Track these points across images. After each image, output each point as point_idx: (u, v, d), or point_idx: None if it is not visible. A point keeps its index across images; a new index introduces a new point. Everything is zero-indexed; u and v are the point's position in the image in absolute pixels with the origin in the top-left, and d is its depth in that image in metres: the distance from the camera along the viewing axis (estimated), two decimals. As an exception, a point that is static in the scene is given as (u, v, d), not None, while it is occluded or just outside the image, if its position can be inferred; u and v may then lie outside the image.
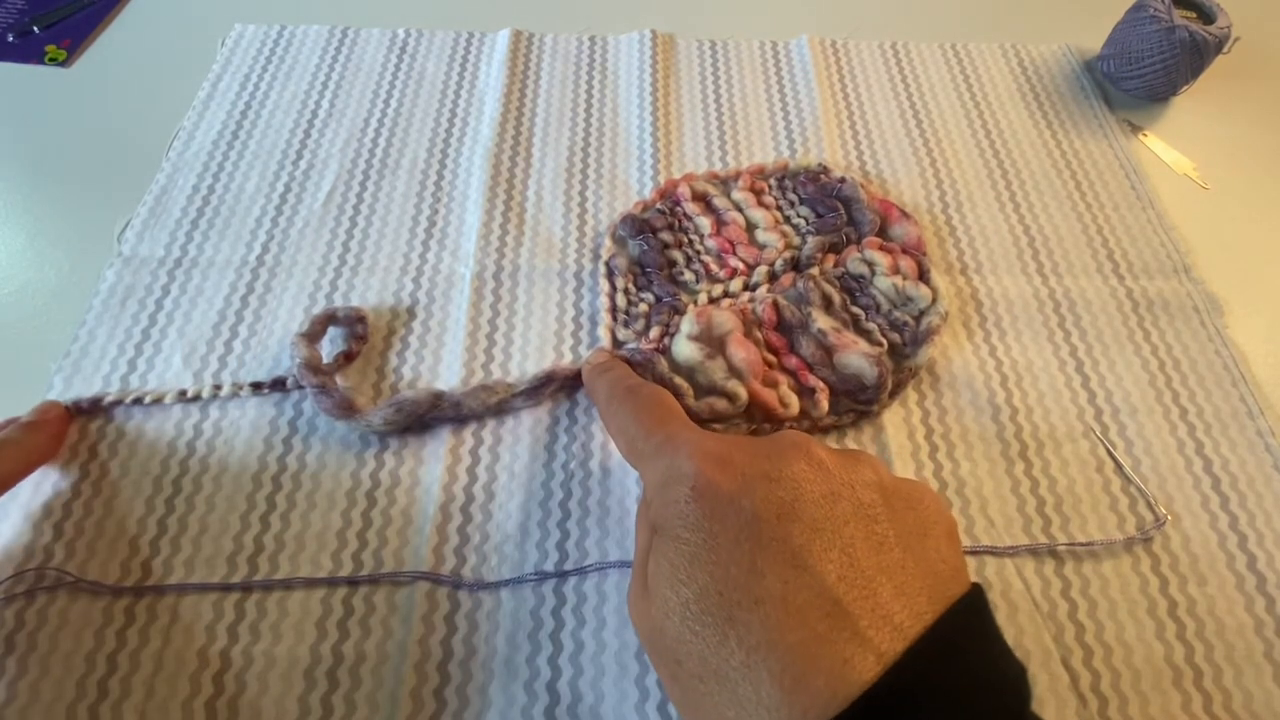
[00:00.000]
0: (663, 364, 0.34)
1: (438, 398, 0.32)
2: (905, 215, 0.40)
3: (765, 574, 0.19)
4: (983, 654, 0.19)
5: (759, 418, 0.33)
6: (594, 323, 0.37)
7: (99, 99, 0.46)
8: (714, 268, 0.38)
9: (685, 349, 0.34)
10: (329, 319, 0.35)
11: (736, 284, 0.37)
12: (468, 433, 0.33)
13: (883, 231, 0.39)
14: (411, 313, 0.37)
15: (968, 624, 0.19)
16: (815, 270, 0.37)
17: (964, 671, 0.18)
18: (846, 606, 0.18)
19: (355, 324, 0.35)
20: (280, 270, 0.38)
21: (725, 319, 0.34)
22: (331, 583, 0.29)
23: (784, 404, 0.33)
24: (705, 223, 0.39)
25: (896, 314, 0.36)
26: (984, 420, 0.34)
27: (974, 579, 0.29)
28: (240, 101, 0.46)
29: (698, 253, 0.39)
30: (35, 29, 0.49)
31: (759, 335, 0.35)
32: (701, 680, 0.19)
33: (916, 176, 0.44)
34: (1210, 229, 0.42)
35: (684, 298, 0.37)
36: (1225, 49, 0.46)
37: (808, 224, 0.40)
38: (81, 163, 0.43)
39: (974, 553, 0.30)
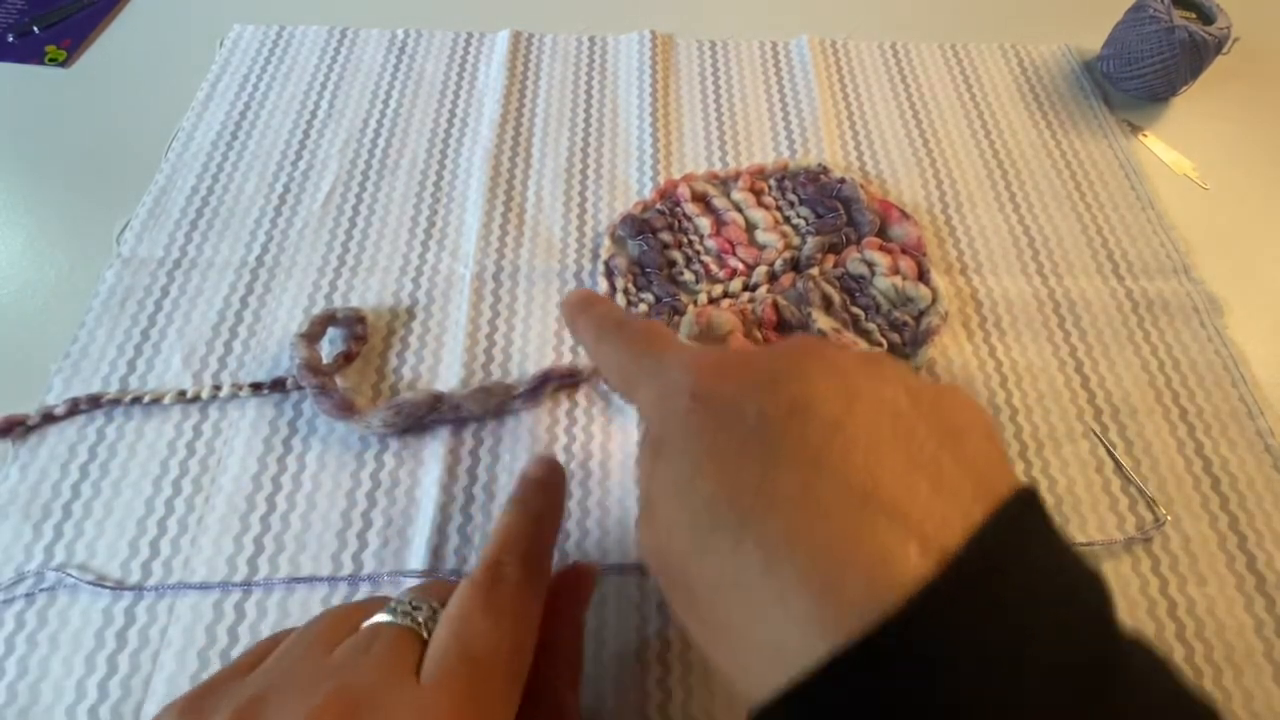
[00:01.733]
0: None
1: (437, 400, 0.32)
2: (905, 215, 0.40)
3: (780, 476, 0.16)
4: (1049, 551, 0.16)
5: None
6: (594, 323, 0.37)
7: (99, 99, 0.46)
8: (714, 268, 0.38)
9: (685, 349, 0.34)
10: (328, 319, 0.35)
11: (736, 284, 0.37)
12: (467, 433, 0.33)
13: (882, 232, 0.39)
14: (411, 313, 0.37)
15: (1028, 520, 0.16)
16: (815, 270, 0.37)
17: (1031, 569, 0.15)
18: (880, 501, 0.15)
19: (355, 324, 0.35)
20: (280, 271, 0.38)
21: (725, 319, 0.34)
22: (332, 582, 0.29)
23: (784, 404, 0.33)
24: (705, 223, 0.39)
25: (896, 314, 0.36)
26: (984, 420, 0.34)
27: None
28: (239, 102, 0.46)
29: (697, 253, 0.39)
30: (35, 29, 0.49)
31: (759, 335, 0.35)
32: (716, 603, 0.17)
33: (916, 177, 0.44)
34: (1210, 229, 0.42)
35: (684, 298, 0.37)
36: (1225, 49, 0.46)
37: (807, 224, 0.40)
38: (81, 163, 0.43)
39: (974, 553, 0.30)
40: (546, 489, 0.25)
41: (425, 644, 0.20)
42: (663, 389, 0.20)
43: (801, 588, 0.15)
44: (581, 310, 0.25)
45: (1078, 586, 0.15)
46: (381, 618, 0.21)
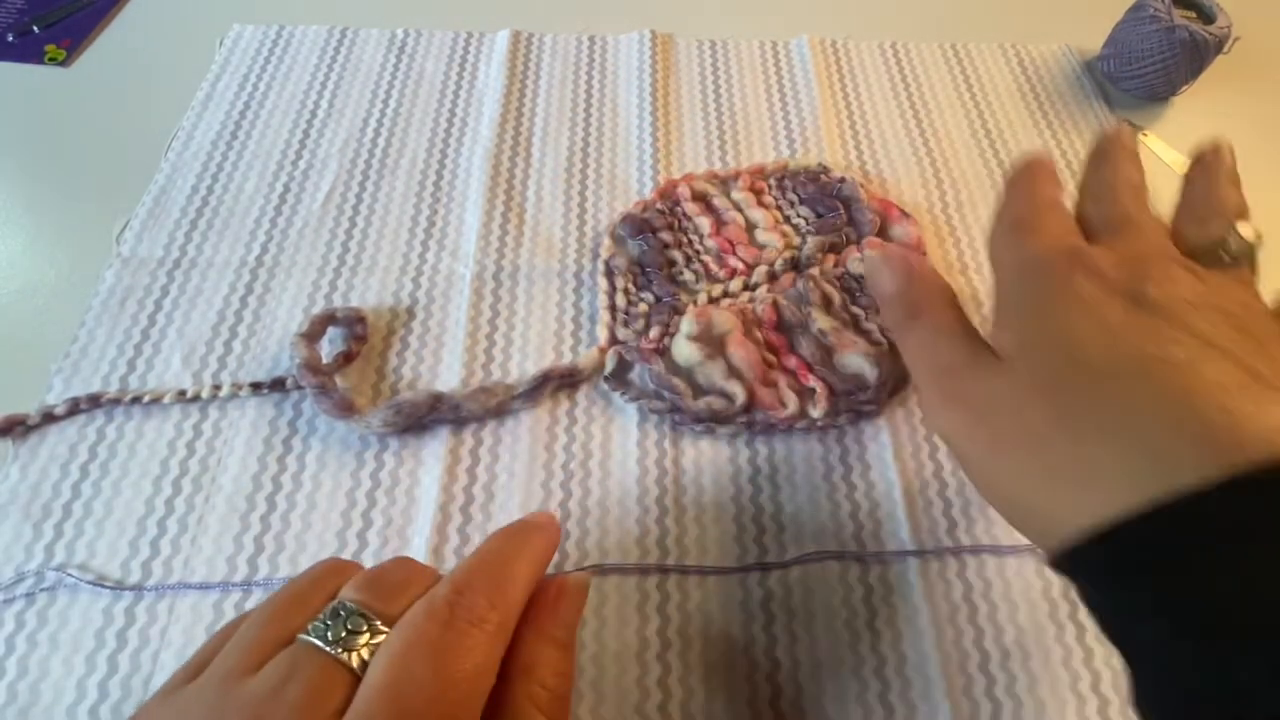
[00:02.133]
0: (660, 364, 0.34)
1: (437, 399, 0.32)
2: (905, 215, 0.40)
3: (1171, 343, 0.18)
4: None
5: (758, 417, 0.33)
6: (594, 323, 0.37)
7: (98, 99, 0.46)
8: (714, 268, 0.38)
9: (685, 349, 0.34)
10: (328, 319, 0.35)
11: (736, 284, 0.37)
12: (467, 433, 0.33)
13: (883, 231, 0.39)
14: (411, 313, 0.37)
15: None
16: (815, 270, 0.37)
17: None
18: (1266, 378, 0.17)
19: (355, 324, 0.35)
20: (279, 270, 0.38)
21: (725, 319, 0.34)
22: (331, 583, 0.29)
23: (783, 404, 0.33)
24: (705, 223, 0.39)
25: (896, 314, 0.36)
26: (984, 420, 0.34)
27: (975, 579, 0.30)
28: (239, 102, 0.46)
29: (697, 253, 0.39)
30: (35, 29, 0.49)
31: (759, 335, 0.35)
32: (1093, 406, 0.18)
33: (916, 176, 0.44)
34: (1210, 229, 0.42)
35: (684, 297, 0.37)
36: (1225, 49, 0.46)
37: (808, 224, 0.40)
38: (81, 163, 0.43)
39: (975, 552, 0.30)
40: (540, 529, 0.22)
41: (356, 681, 0.17)
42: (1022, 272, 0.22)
43: (1193, 415, 0.16)
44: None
45: None
46: (309, 640, 0.18)
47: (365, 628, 0.18)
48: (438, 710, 0.17)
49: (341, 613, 0.18)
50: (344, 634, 0.18)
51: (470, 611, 0.18)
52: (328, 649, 0.17)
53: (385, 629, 0.18)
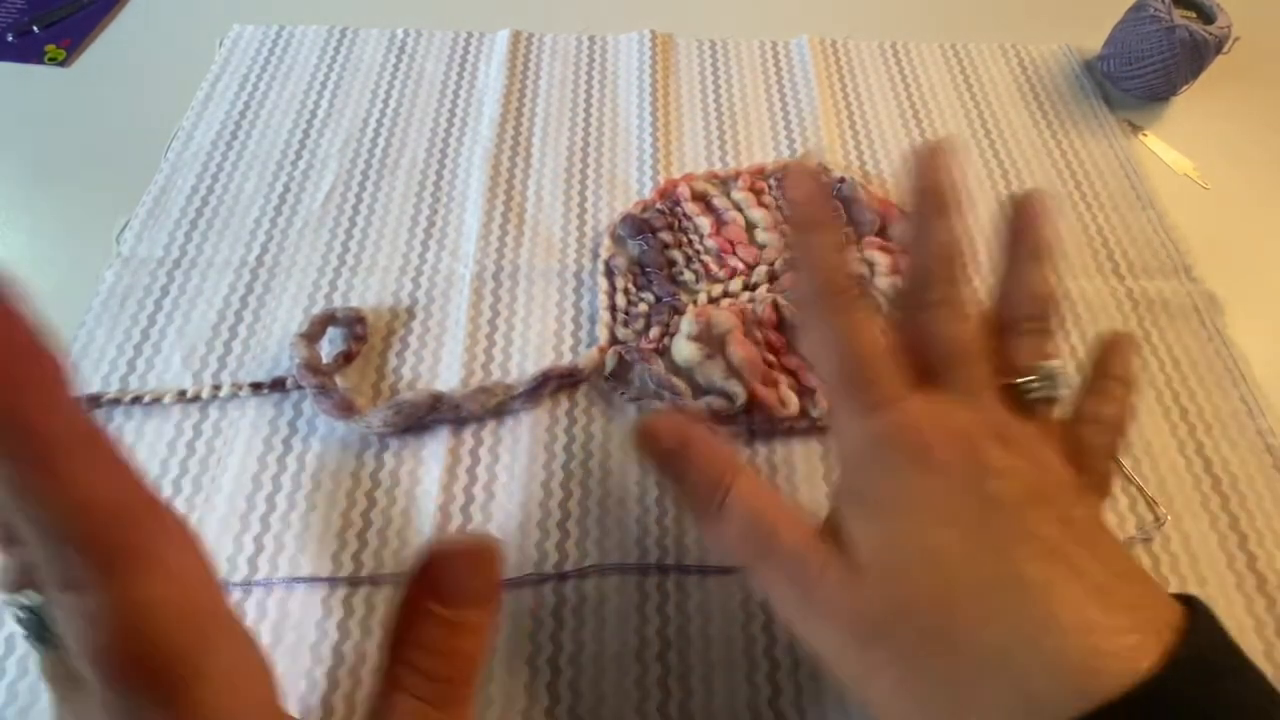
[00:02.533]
0: (660, 364, 0.34)
1: (437, 400, 0.32)
2: (905, 215, 0.40)
3: (1024, 560, 0.18)
4: (1247, 669, 0.18)
5: (758, 417, 0.33)
6: (594, 322, 0.36)
7: (98, 99, 0.46)
8: (714, 267, 0.38)
9: (685, 349, 0.34)
10: (328, 319, 0.35)
11: (736, 284, 0.37)
12: (467, 433, 0.33)
13: (883, 231, 0.39)
14: (411, 313, 0.37)
15: (1221, 635, 0.18)
16: (815, 270, 0.37)
17: (1235, 675, 0.17)
18: (1116, 599, 0.17)
19: (354, 324, 0.35)
20: (279, 270, 0.38)
21: (725, 319, 0.34)
22: (332, 583, 0.29)
23: (784, 403, 0.33)
24: (705, 223, 0.39)
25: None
26: (984, 420, 0.34)
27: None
28: (239, 102, 0.46)
29: (697, 252, 0.39)
30: (35, 29, 0.49)
31: (759, 335, 0.35)
32: (972, 640, 0.18)
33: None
34: (1210, 229, 0.42)
35: (684, 297, 0.37)
36: (1225, 49, 0.46)
37: (807, 224, 0.40)
38: (81, 163, 0.43)
39: (974, 553, 0.30)
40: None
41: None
42: (873, 439, 0.21)
43: (1056, 650, 0.17)
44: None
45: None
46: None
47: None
48: None
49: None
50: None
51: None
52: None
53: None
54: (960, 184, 0.24)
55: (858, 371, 0.21)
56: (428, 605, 0.18)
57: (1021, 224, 0.25)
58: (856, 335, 0.21)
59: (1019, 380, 0.22)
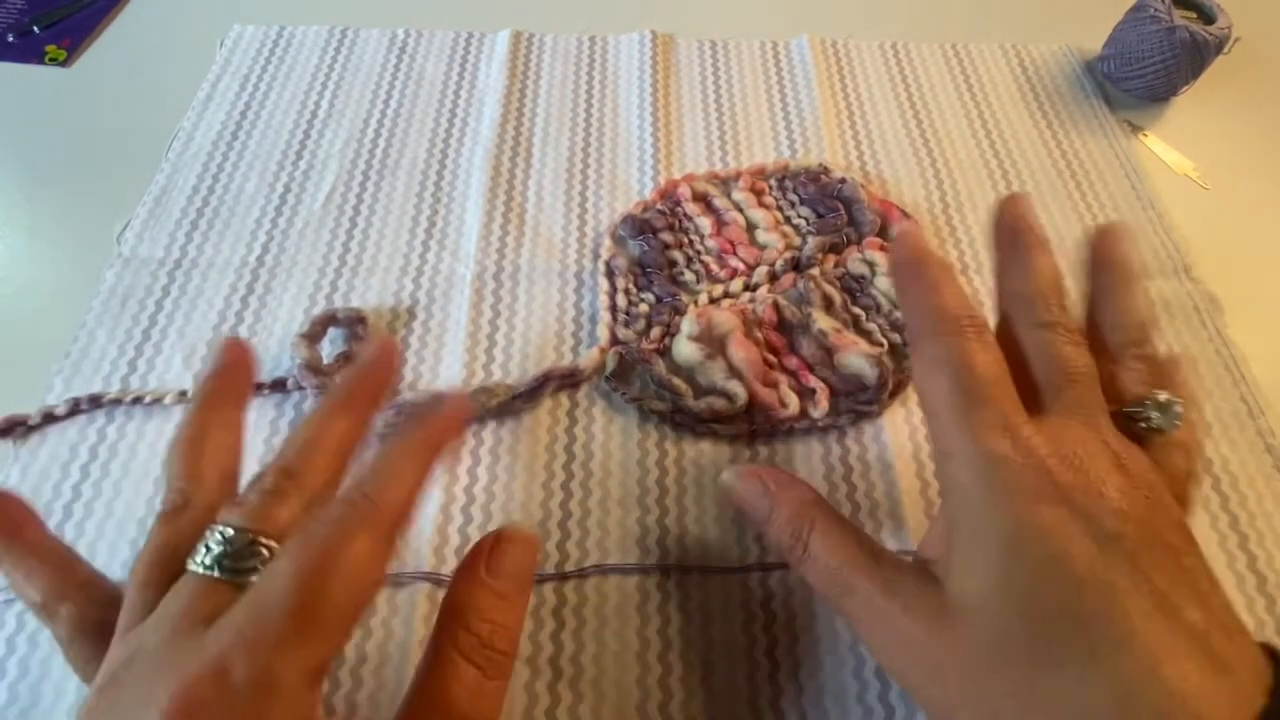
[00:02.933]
0: (661, 364, 0.34)
1: (437, 400, 0.32)
2: (905, 215, 0.40)
3: (1136, 613, 0.18)
4: None
5: (759, 417, 0.33)
6: (594, 323, 0.37)
7: (99, 99, 0.46)
8: (714, 268, 0.38)
9: (685, 349, 0.34)
10: (329, 320, 0.35)
11: (737, 284, 0.37)
12: (467, 433, 0.33)
13: (883, 232, 0.39)
14: (411, 313, 0.37)
15: None
16: (816, 270, 0.37)
17: None
18: (1219, 659, 0.18)
19: (355, 325, 0.35)
20: (280, 271, 0.38)
21: (726, 319, 0.34)
22: (332, 583, 0.29)
23: (784, 404, 0.33)
24: (705, 223, 0.39)
25: (897, 314, 0.36)
26: (984, 420, 0.34)
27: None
28: (240, 102, 0.46)
29: (698, 253, 0.39)
30: (35, 29, 0.49)
31: (759, 335, 0.35)
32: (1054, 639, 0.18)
33: (916, 176, 0.44)
34: (1210, 229, 0.42)
35: (684, 298, 0.37)
36: (1225, 49, 0.46)
37: (808, 224, 0.40)
38: (81, 163, 0.43)
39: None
40: (431, 421, 0.22)
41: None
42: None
43: (1155, 705, 0.17)
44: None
45: None
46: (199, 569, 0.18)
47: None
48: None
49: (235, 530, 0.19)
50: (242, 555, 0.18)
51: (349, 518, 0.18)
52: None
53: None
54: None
55: (974, 390, 0.21)
56: (481, 575, 0.20)
57: (1107, 250, 0.25)
58: (974, 355, 0.21)
59: (1130, 408, 0.22)
